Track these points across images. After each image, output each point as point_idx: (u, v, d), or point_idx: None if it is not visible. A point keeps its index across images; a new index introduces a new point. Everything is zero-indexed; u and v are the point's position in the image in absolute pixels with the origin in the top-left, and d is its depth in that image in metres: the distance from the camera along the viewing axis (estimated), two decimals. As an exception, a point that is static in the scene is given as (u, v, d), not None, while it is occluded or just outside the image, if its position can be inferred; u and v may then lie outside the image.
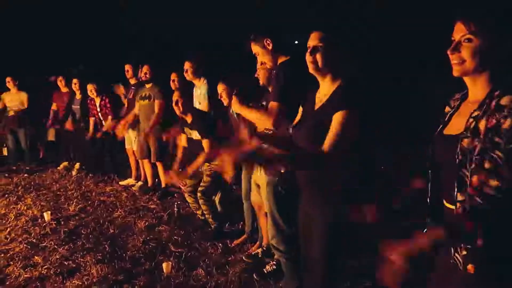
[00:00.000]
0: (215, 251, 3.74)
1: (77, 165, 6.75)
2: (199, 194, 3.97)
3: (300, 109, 2.06)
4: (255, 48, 2.58)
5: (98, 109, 6.14)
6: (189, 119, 4.05)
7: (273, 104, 2.41)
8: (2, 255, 3.69)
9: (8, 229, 4.28)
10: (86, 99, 6.37)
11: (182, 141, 4.29)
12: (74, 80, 6.46)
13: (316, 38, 1.80)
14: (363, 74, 2.14)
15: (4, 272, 3.39)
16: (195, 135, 4.03)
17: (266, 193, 2.57)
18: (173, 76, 5.04)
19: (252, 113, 2.53)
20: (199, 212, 4.21)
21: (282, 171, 2.42)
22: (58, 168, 6.91)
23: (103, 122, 6.29)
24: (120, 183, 6.00)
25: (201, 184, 3.99)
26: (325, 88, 1.88)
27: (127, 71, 5.81)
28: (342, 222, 1.82)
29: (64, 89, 6.84)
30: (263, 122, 2.45)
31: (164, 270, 3.30)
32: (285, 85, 2.34)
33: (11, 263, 3.55)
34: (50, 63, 8.84)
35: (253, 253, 3.54)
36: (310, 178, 1.93)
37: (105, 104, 6.08)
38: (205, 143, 3.91)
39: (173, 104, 4.03)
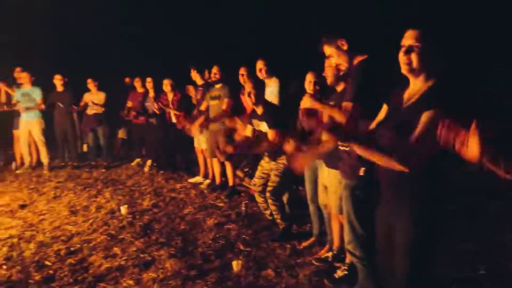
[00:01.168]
0: (283, 252, 3.72)
1: (149, 162, 7.09)
2: (268, 194, 3.97)
3: (384, 107, 2.00)
4: (329, 50, 2.53)
5: (170, 105, 6.45)
6: (259, 110, 4.06)
7: (347, 104, 2.36)
8: (86, 244, 3.97)
9: (90, 221, 4.59)
10: (159, 96, 6.71)
11: (247, 131, 4.30)
12: (148, 79, 6.87)
13: (412, 37, 1.73)
14: (452, 73, 2.02)
15: (87, 260, 3.64)
16: (264, 127, 4.02)
17: (344, 197, 2.50)
18: (242, 70, 5.11)
19: (326, 110, 2.52)
20: (267, 212, 4.22)
21: (361, 174, 2.35)
22: (132, 164, 7.31)
23: (172, 118, 6.63)
24: (189, 180, 6.21)
25: (269, 184, 4.00)
26: (416, 87, 1.81)
27: (194, 72, 6.03)
28: (429, 232, 1.71)
29: (140, 90, 7.23)
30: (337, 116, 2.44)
31: (234, 268, 3.35)
32: (363, 85, 2.27)
33: (93, 252, 3.80)
34: (127, 65, 9.36)
35: (322, 257, 3.48)
36: (393, 182, 1.85)
37: (177, 100, 6.38)
38: (271, 133, 3.90)
39: (246, 96, 4.05)
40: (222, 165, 5.72)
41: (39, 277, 3.32)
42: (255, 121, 4.14)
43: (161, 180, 6.35)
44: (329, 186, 3.12)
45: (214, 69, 5.55)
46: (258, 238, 4.05)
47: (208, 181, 6.03)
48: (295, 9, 10.55)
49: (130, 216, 4.71)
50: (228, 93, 5.40)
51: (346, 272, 3.11)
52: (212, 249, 3.81)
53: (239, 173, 5.89)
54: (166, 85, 6.56)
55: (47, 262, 3.59)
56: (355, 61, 2.49)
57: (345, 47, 2.45)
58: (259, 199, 4.19)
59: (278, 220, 4.05)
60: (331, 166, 3.05)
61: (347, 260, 3.15)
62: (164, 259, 3.59)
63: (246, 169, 5.98)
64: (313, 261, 3.47)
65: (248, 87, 4.00)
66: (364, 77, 2.33)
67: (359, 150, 1.86)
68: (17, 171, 7.01)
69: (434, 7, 8.51)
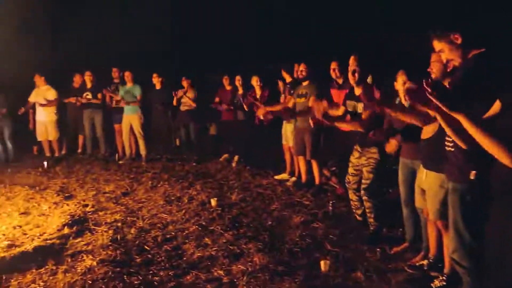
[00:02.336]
0: (373, 255, 3.59)
1: (236, 158, 7.30)
2: (362, 192, 3.87)
3: (497, 102, 1.83)
4: (439, 45, 2.36)
5: (258, 101, 6.59)
6: (358, 90, 3.95)
7: None
8: (180, 233, 4.21)
9: (183, 211, 4.86)
10: (247, 93, 6.90)
11: (339, 112, 4.21)
12: (238, 77, 7.09)
13: None
14: None
15: (181, 248, 3.86)
16: (360, 107, 3.90)
17: (451, 202, 2.32)
18: (334, 65, 5.08)
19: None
20: (358, 211, 4.10)
21: (471, 178, 2.16)
22: (220, 159, 7.58)
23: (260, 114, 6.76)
24: (275, 177, 6.27)
25: (363, 181, 3.88)
26: None
27: (283, 71, 6.07)
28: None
29: (228, 87, 7.48)
30: None
31: (322, 268, 3.31)
32: (480, 81, 2.08)
33: (187, 241, 4.02)
34: (218, 63, 9.75)
35: (417, 264, 3.28)
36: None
37: (266, 96, 6.52)
38: (366, 114, 3.77)
39: (349, 75, 3.93)
40: (309, 163, 5.68)
41: (139, 260, 3.60)
42: (350, 102, 4.03)
43: (248, 175, 6.49)
44: (428, 189, 2.93)
45: (301, 67, 5.54)
46: (346, 239, 3.96)
47: (294, 178, 6.03)
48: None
49: (220, 208, 4.89)
50: (316, 91, 5.34)
51: (444, 283, 2.90)
52: (299, 247, 3.80)
53: (325, 172, 5.80)
54: (256, 81, 6.75)
55: (146, 247, 3.88)
56: (469, 56, 2.30)
57: (458, 41, 2.27)
58: (353, 197, 4.09)
59: (371, 220, 3.91)
60: (431, 168, 2.85)
61: (446, 270, 2.93)
62: (252, 253, 3.66)
63: (333, 168, 5.87)
64: (406, 268, 3.29)
65: (352, 64, 3.88)
66: (482, 72, 2.14)
67: (466, 123, 1.79)
68: (120, 162, 7.69)
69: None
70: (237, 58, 10.89)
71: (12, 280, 3.26)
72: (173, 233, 4.20)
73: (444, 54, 2.34)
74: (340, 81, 5.15)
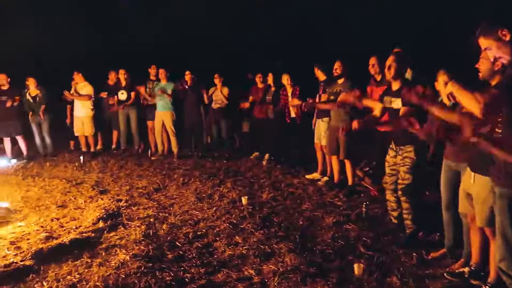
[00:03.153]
0: (409, 260, 3.46)
1: (267, 156, 7.26)
2: (399, 192, 3.74)
3: None
4: (486, 42, 2.22)
5: (290, 99, 6.53)
6: (396, 85, 3.81)
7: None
8: (210, 230, 4.21)
9: (214, 208, 4.86)
10: (279, 90, 6.88)
11: (376, 109, 4.08)
12: (270, 74, 7.11)
13: None
14: None
15: (212, 245, 3.85)
16: (396, 103, 3.77)
17: (498, 208, 2.19)
18: (373, 60, 4.99)
19: (467, 96, 2.40)
20: (394, 213, 3.98)
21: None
22: (250, 157, 7.56)
23: (291, 112, 6.72)
24: (307, 176, 6.18)
25: (399, 181, 3.76)
26: None
27: (316, 69, 5.97)
28: None
29: (260, 85, 7.45)
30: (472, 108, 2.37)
31: (356, 271, 3.21)
32: None
33: (217, 238, 4.01)
34: (251, 61, 9.77)
35: (457, 271, 3.13)
36: None
37: (297, 94, 6.46)
38: (404, 110, 3.62)
39: (385, 70, 3.82)
40: (341, 163, 5.56)
41: (171, 256, 3.62)
42: (387, 98, 3.90)
43: (279, 174, 6.44)
44: (476, 194, 2.77)
45: (336, 64, 5.43)
46: (381, 242, 3.84)
47: (326, 178, 5.93)
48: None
49: (250, 207, 4.86)
50: (351, 89, 5.22)
51: (487, 292, 2.75)
52: (332, 248, 3.72)
53: (358, 172, 5.66)
54: (286, 79, 6.73)
55: (177, 243, 3.89)
56: None
57: (507, 38, 2.13)
58: (390, 197, 3.97)
59: (408, 222, 3.77)
60: (480, 171, 2.70)
61: (490, 279, 2.78)
62: (283, 253, 3.61)
63: (366, 169, 5.72)
64: (445, 275, 3.15)
65: (390, 59, 3.77)
66: None
67: None
68: (152, 158, 7.80)
69: None
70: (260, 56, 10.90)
71: (49, 271, 3.35)
72: (204, 230, 4.20)
73: (491, 51, 2.20)
74: (379, 77, 5.01)
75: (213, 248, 3.79)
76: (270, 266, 3.39)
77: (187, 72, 7.78)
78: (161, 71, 7.78)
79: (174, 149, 7.76)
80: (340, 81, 5.39)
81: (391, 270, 3.28)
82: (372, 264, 3.38)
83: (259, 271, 3.32)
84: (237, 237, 4.00)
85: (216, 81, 7.75)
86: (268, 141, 7.37)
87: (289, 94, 6.72)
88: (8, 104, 7.63)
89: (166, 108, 7.70)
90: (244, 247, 3.77)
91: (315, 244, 3.82)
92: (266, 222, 4.40)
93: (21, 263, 3.41)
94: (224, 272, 3.32)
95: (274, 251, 3.68)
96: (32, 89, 8.05)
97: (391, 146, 3.92)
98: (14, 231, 4.29)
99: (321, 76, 5.93)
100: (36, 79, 8.10)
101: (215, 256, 3.63)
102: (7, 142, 8.01)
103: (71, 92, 8.16)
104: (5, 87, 7.80)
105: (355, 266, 3.23)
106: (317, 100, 6.04)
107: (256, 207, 4.87)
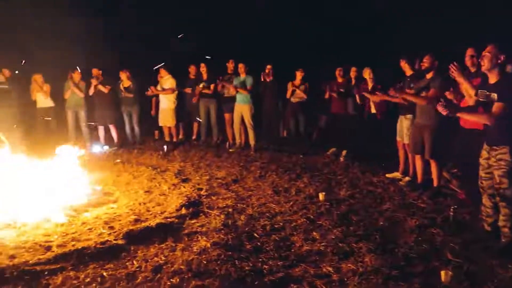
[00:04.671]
0: (504, 271, 3.17)
1: (344, 152, 7.09)
2: (498, 198, 3.45)
3: None
4: None
5: (369, 92, 6.36)
6: (493, 78, 3.55)
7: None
8: (288, 224, 4.22)
9: (291, 202, 4.87)
10: (359, 85, 6.72)
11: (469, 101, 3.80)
12: (353, 68, 6.91)
13: None
14: None
15: (289, 239, 3.86)
16: (494, 98, 3.47)
17: None
18: (471, 51, 4.68)
19: None
20: (489, 220, 3.68)
21: None
22: (327, 153, 7.44)
23: (372, 107, 6.51)
24: (387, 175, 5.94)
25: (495, 186, 3.49)
26: None
27: (403, 62, 5.68)
28: None
29: (340, 79, 7.29)
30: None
31: (442, 279, 3.02)
32: None
33: (294, 233, 4.01)
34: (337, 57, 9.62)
35: None
36: None
37: (377, 87, 6.29)
38: (498, 106, 3.37)
39: (480, 61, 3.59)
40: (426, 163, 5.25)
41: (249, 247, 3.69)
42: (482, 91, 3.61)
43: (357, 171, 6.26)
44: None
45: (425, 58, 5.11)
46: (470, 250, 3.57)
47: (408, 178, 5.64)
48: None
49: (328, 203, 4.79)
50: (440, 83, 4.89)
51: None
52: (415, 252, 3.53)
53: (445, 174, 5.30)
54: (369, 73, 6.54)
55: (255, 235, 3.96)
56: None
57: None
58: (487, 202, 3.68)
59: (505, 229, 3.47)
60: None
61: None
62: (363, 253, 3.51)
63: (454, 170, 5.34)
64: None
65: (486, 51, 3.50)
66: None
67: None
68: (230, 150, 8.02)
69: None
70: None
71: (138, 251, 3.60)
72: (281, 224, 4.23)
73: None
74: (474, 69, 4.63)
75: (290, 242, 3.80)
76: (349, 265, 3.32)
77: (268, 66, 7.85)
78: (241, 65, 7.92)
79: (252, 142, 7.89)
80: (429, 75, 5.07)
81: (484, 281, 3.04)
82: (460, 273, 3.15)
83: (337, 269, 3.26)
84: (315, 233, 3.97)
85: (298, 75, 7.73)
86: (346, 137, 7.20)
87: (370, 89, 6.52)
88: (106, 90, 8.36)
89: (245, 101, 7.84)
90: (321, 244, 3.72)
91: (397, 246, 3.66)
92: (344, 220, 4.31)
93: (114, 242, 3.70)
94: (302, 266, 3.32)
95: (353, 250, 3.59)
96: (125, 81, 8.69)
97: (484, 146, 3.62)
98: (107, 212, 4.68)
99: (408, 70, 5.63)
100: (129, 72, 8.74)
101: (293, 250, 3.63)
102: (101, 130, 8.74)
103: (157, 87, 8.67)
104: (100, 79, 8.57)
105: (442, 273, 3.05)
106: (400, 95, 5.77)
107: (333, 204, 4.79)
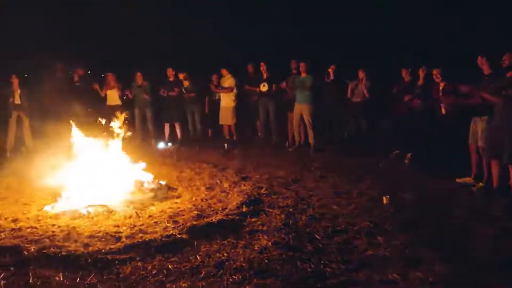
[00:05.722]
0: None
1: (409, 155, 6.78)
2: None
3: None
4: None
5: (440, 94, 6.02)
6: None
7: None
8: (350, 227, 4.10)
9: (353, 205, 4.74)
10: (430, 85, 6.44)
11: None
12: (423, 68, 6.65)
13: None
14: None
15: (352, 243, 3.74)
16: None
17: None
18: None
19: None
20: None
21: None
22: (390, 155, 7.16)
23: (442, 108, 6.17)
24: (457, 180, 5.58)
25: None
26: None
27: (481, 59, 5.31)
28: None
29: (407, 77, 7.03)
30: None
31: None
32: None
33: (357, 236, 3.88)
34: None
35: None
36: None
37: (448, 89, 5.92)
38: None
39: None
40: (504, 168, 4.86)
41: (311, 248, 3.63)
42: None
43: (423, 175, 5.94)
44: None
45: (505, 56, 4.75)
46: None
47: (481, 184, 5.27)
48: None
49: (392, 207, 4.60)
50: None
51: None
52: (492, 264, 3.28)
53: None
54: (435, 74, 6.34)
55: (316, 236, 3.89)
56: None
57: None
58: None
59: None
60: None
61: None
62: (432, 261, 3.31)
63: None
64: None
65: None
66: None
67: None
68: (289, 149, 7.99)
69: None
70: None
71: (201, 246, 3.67)
72: (343, 226, 4.12)
73: None
74: None
75: (353, 246, 3.69)
76: (417, 273, 3.14)
77: (332, 66, 7.73)
78: (302, 64, 7.86)
79: (311, 141, 7.80)
80: (510, 74, 4.69)
81: None
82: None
83: (404, 277, 3.10)
84: (379, 238, 3.81)
85: (360, 74, 7.53)
86: (412, 139, 6.87)
87: (440, 89, 6.17)
88: (174, 93, 8.76)
89: (305, 101, 7.77)
90: (386, 249, 3.57)
91: (471, 256, 3.42)
92: (410, 225, 4.10)
93: (179, 236, 3.82)
94: (366, 272, 3.20)
95: (421, 257, 3.40)
96: (186, 82, 9.00)
97: None
98: (171, 206, 4.84)
99: (486, 68, 5.23)
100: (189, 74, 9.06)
101: (356, 254, 3.52)
102: (166, 127, 9.12)
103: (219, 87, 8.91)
104: (171, 79, 8.96)
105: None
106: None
107: (398, 208, 4.59)
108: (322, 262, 3.36)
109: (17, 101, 8.16)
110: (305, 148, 7.94)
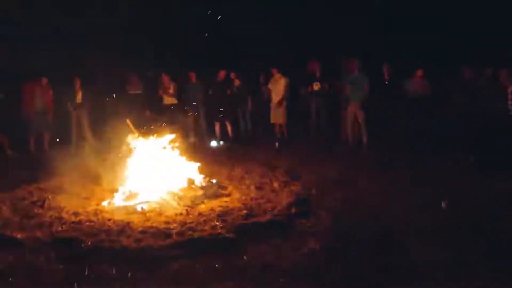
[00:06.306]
0: None
1: (471, 158, 6.34)
2: None
3: None
4: None
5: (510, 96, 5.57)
6: None
7: None
8: (402, 231, 3.90)
9: (407, 207, 4.49)
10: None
11: None
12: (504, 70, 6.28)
13: None
14: None
15: (405, 248, 3.55)
16: None
17: None
18: None
19: None
20: None
21: None
22: (452, 156, 6.70)
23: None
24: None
25: None
26: None
27: None
28: None
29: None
30: None
31: None
32: None
33: (409, 241, 3.68)
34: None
35: None
36: None
37: None
38: None
39: None
40: None
41: (361, 252, 3.49)
42: None
43: (486, 179, 5.46)
44: None
45: None
46: None
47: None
48: None
49: (451, 212, 4.31)
50: None
51: None
52: None
53: None
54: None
55: (366, 239, 3.74)
56: None
57: None
58: None
59: None
60: None
61: None
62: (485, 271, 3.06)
63: None
64: None
65: None
66: None
67: None
68: (342, 148, 7.80)
69: None
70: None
71: (248, 247, 3.66)
72: (394, 229, 3.94)
73: None
74: None
75: (405, 250, 3.50)
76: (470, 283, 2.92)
77: (386, 66, 7.46)
78: (354, 62, 7.65)
79: (365, 140, 7.57)
80: None
81: None
82: None
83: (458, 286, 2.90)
84: (435, 244, 3.59)
85: (418, 73, 7.19)
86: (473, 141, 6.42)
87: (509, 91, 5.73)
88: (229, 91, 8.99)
89: (358, 99, 7.54)
90: (444, 256, 3.35)
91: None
92: (471, 233, 3.81)
93: (227, 235, 3.84)
94: (417, 278, 3.02)
95: (475, 266, 3.15)
96: (237, 81, 9.12)
97: None
98: (221, 205, 4.88)
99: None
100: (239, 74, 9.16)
101: (406, 260, 3.33)
102: (217, 126, 9.27)
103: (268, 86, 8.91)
104: (222, 79, 9.14)
105: None
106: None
107: (458, 213, 4.28)
108: (370, 267, 3.23)
109: (79, 100, 8.83)
110: (358, 147, 7.71)
